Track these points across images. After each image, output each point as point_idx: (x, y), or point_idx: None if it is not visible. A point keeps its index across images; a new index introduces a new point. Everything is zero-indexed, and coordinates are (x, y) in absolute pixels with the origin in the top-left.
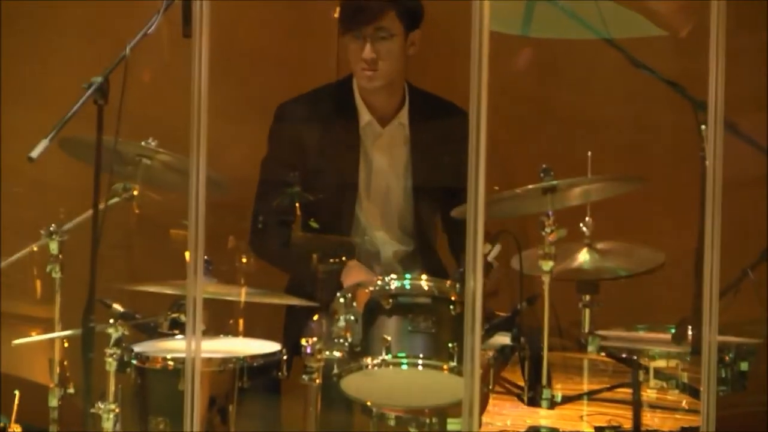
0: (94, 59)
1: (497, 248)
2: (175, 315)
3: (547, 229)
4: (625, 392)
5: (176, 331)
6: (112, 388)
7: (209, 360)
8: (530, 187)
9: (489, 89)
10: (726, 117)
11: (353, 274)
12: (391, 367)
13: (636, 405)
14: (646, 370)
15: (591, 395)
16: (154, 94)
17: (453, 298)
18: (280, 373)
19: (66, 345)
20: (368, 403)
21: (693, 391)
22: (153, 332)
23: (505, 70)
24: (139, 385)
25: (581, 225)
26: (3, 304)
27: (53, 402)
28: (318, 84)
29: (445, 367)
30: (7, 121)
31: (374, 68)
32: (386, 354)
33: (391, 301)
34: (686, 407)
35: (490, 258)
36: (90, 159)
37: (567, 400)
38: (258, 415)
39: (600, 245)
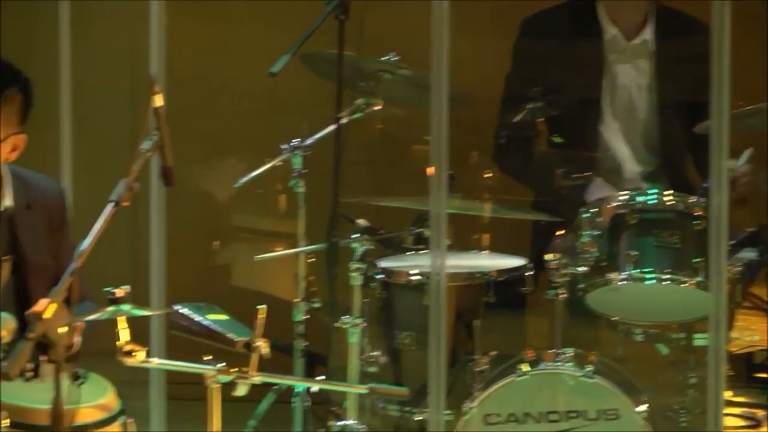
0: None
1: (749, 151)
2: (419, 230)
3: None
4: None
5: (421, 246)
6: (357, 302)
7: (454, 275)
8: None
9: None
10: None
11: (598, 190)
12: (637, 282)
13: None
14: None
15: None
16: (395, 9)
17: (698, 213)
18: (525, 288)
19: (311, 260)
20: (614, 318)
21: None
22: (398, 247)
23: None
24: (384, 300)
25: None
26: (247, 219)
27: (299, 317)
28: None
29: (691, 282)
30: (243, 39)
31: None
32: (632, 269)
33: (636, 216)
34: None
35: (741, 162)
36: (331, 74)
37: None
38: (503, 330)
39: None
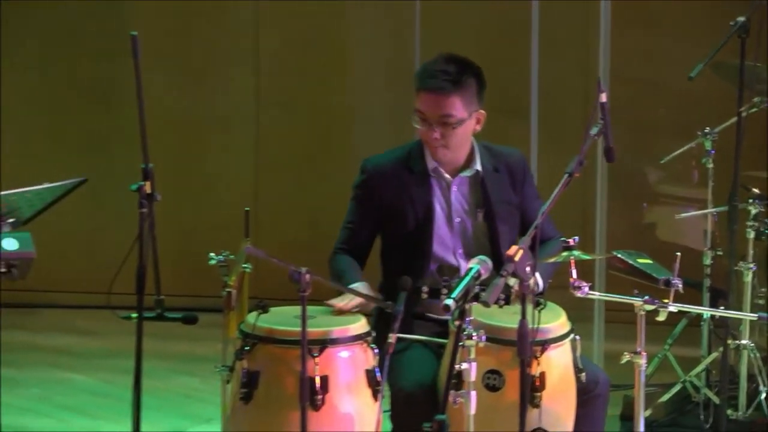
0: None
1: None
2: None
3: None
4: None
5: None
6: (750, 251)
7: None
8: None
9: None
10: None
11: None
12: None
13: None
14: None
15: None
16: None
17: None
18: None
19: (716, 219)
20: None
21: None
22: None
23: None
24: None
25: None
26: (669, 188)
27: (706, 261)
28: None
29: None
30: (668, 47)
31: None
32: None
33: None
34: None
35: None
36: (734, 79)
37: None
38: None
39: None
